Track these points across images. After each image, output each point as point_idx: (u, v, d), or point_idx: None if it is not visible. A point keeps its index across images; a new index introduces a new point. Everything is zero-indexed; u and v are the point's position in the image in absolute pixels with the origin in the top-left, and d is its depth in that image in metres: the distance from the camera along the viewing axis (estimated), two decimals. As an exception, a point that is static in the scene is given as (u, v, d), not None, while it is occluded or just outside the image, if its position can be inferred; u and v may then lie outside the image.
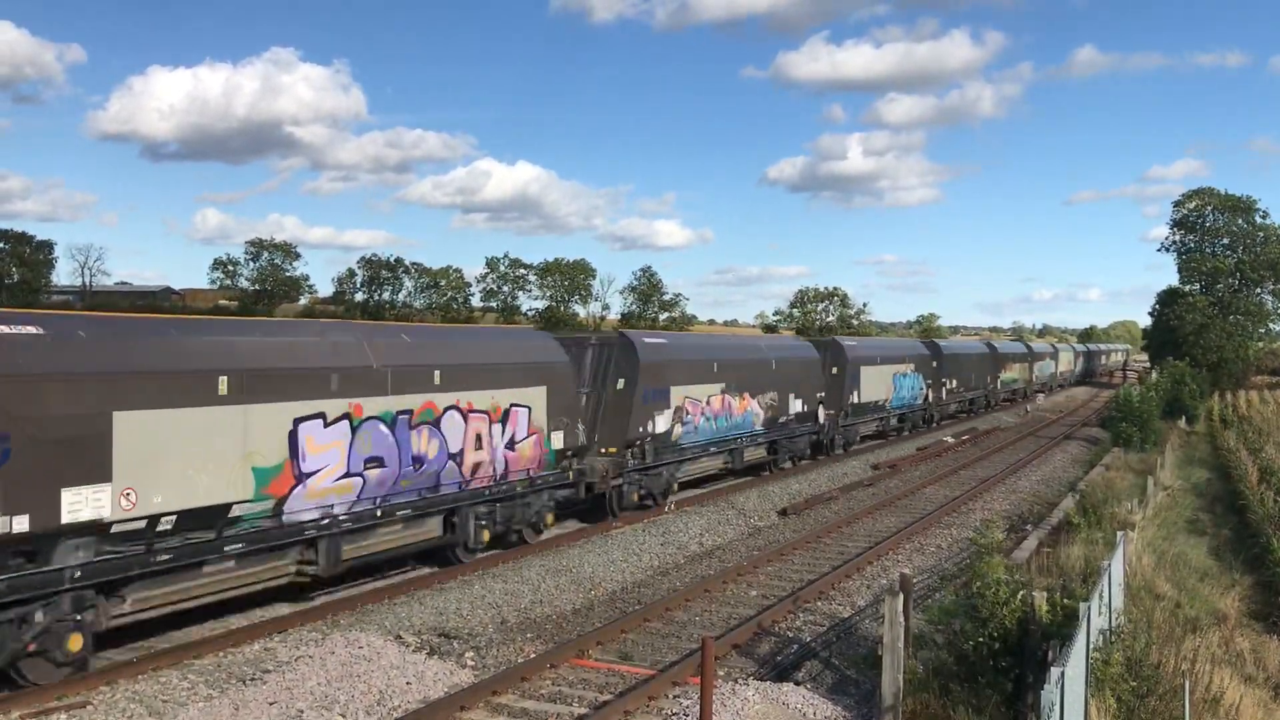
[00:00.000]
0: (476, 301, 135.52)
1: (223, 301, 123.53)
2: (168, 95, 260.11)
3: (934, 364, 48.32)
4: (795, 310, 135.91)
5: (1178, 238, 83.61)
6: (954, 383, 51.63)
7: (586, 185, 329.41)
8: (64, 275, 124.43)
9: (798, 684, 12.78)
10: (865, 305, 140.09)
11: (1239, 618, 17.96)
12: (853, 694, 12.65)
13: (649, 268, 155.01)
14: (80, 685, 11.97)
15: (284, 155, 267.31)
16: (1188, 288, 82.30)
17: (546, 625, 15.68)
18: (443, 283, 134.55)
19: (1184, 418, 54.73)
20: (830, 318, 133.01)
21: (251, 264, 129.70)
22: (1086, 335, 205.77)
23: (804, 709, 11.76)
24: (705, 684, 9.68)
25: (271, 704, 11.58)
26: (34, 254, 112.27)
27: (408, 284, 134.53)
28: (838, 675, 13.48)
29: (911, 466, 35.22)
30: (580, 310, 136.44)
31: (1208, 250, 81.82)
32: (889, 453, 38.34)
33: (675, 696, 12.32)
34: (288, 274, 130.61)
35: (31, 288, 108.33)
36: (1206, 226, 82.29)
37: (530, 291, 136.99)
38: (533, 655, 13.89)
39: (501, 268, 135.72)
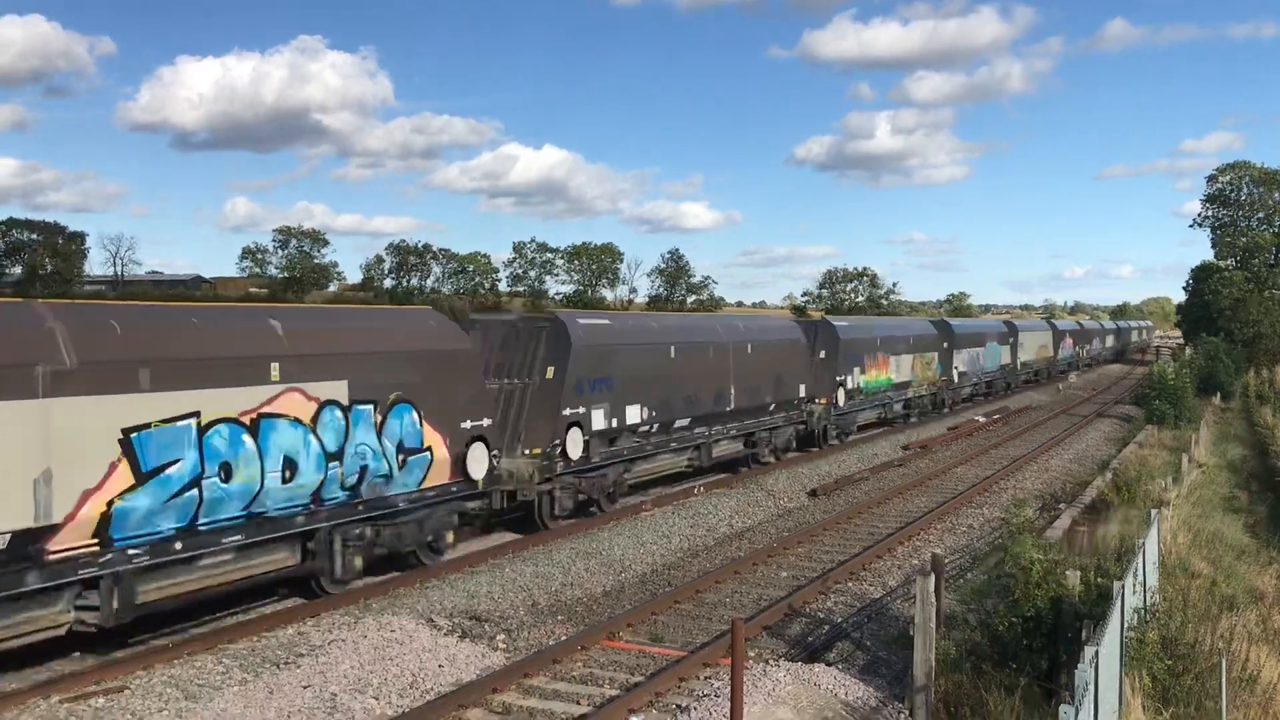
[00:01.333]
0: (504, 286, 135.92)
1: (253, 289, 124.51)
2: (196, 85, 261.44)
3: (539, 360, 20.43)
4: (824, 291, 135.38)
5: (1211, 212, 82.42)
6: (645, 413, 22.62)
7: (613, 168, 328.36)
8: (96, 265, 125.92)
9: (829, 664, 12.75)
10: (895, 285, 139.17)
11: (1277, 595, 17.77)
12: (884, 674, 12.62)
13: (676, 250, 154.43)
14: (117, 669, 12.13)
15: (312, 143, 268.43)
16: (1223, 263, 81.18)
17: (577, 608, 15.73)
18: (470, 268, 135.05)
19: (1219, 394, 54.07)
20: (860, 298, 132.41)
21: (280, 252, 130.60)
22: (1119, 312, 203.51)
23: (835, 689, 11.74)
24: (736, 665, 9.67)
25: (305, 687, 11.68)
26: (66, 245, 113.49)
27: (436, 270, 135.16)
28: (869, 656, 13.44)
29: (942, 447, 35.02)
30: (608, 294, 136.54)
31: (1243, 224, 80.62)
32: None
33: (706, 678, 12.33)
34: (316, 261, 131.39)
35: (64, 278, 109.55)
36: (1241, 200, 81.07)
37: (557, 275, 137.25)
38: (564, 637, 13.93)
39: (528, 252, 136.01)
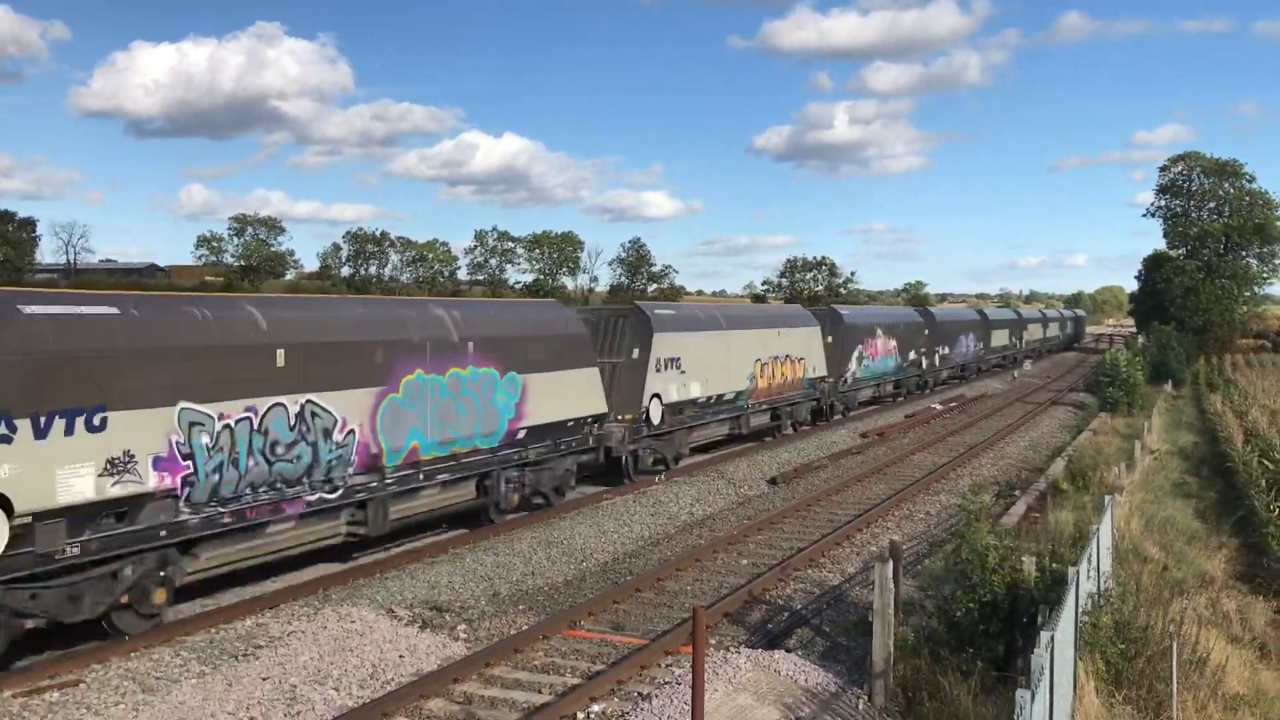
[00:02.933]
0: (463, 275, 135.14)
1: (209, 278, 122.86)
2: (152, 71, 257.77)
3: None
4: (784, 280, 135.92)
5: (1164, 202, 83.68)
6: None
7: (574, 157, 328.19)
8: (48, 254, 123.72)
9: (789, 651, 12.84)
10: (853, 274, 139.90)
11: (1225, 579, 18.12)
12: (843, 660, 12.73)
13: (637, 239, 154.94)
14: (72, 664, 11.97)
15: (270, 130, 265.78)
16: (1174, 252, 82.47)
17: (538, 597, 15.72)
18: (429, 256, 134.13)
19: (1170, 381, 54.95)
20: (819, 287, 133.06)
21: (236, 240, 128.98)
22: (1073, 301, 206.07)
23: (795, 675, 11.83)
24: (697, 653, 9.71)
25: (265, 679, 11.59)
26: (16, 232, 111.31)
27: (394, 258, 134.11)
28: (829, 642, 13.55)
29: (900, 434, 35.33)
30: (568, 283, 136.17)
31: (1194, 214, 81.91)
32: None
33: (668, 665, 12.39)
34: (273, 249, 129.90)
35: (14, 266, 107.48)
36: (1192, 191, 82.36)
37: (518, 264, 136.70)
38: (525, 627, 13.92)
39: (489, 241, 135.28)
